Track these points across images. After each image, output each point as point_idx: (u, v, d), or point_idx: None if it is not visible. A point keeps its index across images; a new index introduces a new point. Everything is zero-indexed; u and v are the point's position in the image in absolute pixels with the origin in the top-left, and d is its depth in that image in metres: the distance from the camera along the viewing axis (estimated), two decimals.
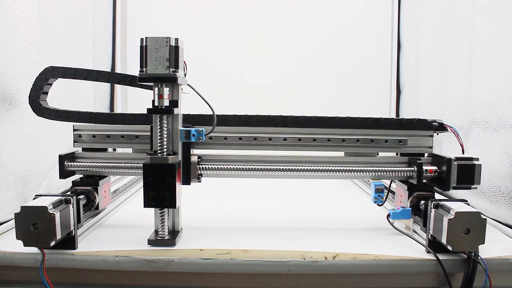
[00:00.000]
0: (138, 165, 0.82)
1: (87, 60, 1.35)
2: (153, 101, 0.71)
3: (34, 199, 0.68)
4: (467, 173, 0.76)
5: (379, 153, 0.86)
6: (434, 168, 0.80)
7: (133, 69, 1.64)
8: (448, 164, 0.76)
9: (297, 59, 1.62)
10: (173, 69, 0.69)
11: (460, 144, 0.80)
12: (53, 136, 1.02)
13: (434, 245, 0.68)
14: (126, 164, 0.82)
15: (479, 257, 0.65)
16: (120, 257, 0.66)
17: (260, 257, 0.67)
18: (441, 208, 0.68)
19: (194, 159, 0.79)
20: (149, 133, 0.83)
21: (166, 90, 0.70)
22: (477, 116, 0.99)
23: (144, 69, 0.69)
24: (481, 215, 0.64)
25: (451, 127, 0.83)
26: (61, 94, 1.08)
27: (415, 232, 0.78)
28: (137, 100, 1.64)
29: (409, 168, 0.81)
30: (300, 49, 1.62)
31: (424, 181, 0.81)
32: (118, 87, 1.62)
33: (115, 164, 0.82)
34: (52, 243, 0.63)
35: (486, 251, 0.68)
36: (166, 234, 0.73)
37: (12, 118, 0.90)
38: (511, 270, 0.69)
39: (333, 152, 0.84)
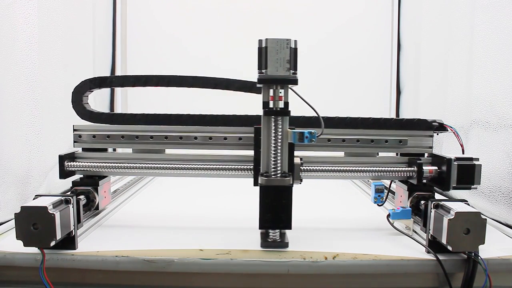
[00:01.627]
0: (138, 165, 0.82)
1: (87, 60, 1.35)
2: (266, 103, 0.70)
3: (34, 199, 0.68)
4: (467, 173, 0.76)
5: (379, 153, 0.86)
6: (434, 168, 0.80)
7: (134, 69, 1.65)
8: (448, 164, 0.76)
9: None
10: (293, 71, 0.69)
11: (460, 144, 0.80)
12: (53, 136, 1.02)
13: (434, 245, 0.68)
14: (126, 164, 0.82)
15: (479, 257, 0.65)
16: (120, 257, 0.66)
17: (260, 257, 0.67)
18: (441, 208, 0.68)
19: (297, 160, 0.79)
20: (149, 133, 0.84)
21: (281, 92, 0.70)
22: (477, 116, 0.99)
23: (263, 71, 0.69)
24: (481, 215, 0.64)
25: (451, 127, 0.83)
26: (61, 93, 1.08)
27: (415, 232, 0.78)
28: (137, 101, 1.64)
29: (409, 168, 0.81)
30: (300, 49, 1.62)
31: (424, 181, 0.81)
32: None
33: (115, 164, 0.82)
34: (52, 243, 0.63)
35: (486, 251, 0.67)
36: (278, 236, 0.73)
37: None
38: (511, 270, 0.69)
39: (333, 152, 0.84)
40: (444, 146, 1.15)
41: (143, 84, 0.82)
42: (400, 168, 0.82)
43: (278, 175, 0.71)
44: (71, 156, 0.83)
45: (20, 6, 0.91)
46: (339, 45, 1.64)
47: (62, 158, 0.81)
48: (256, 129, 0.77)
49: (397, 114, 1.65)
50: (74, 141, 0.85)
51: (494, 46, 0.94)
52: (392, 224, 0.78)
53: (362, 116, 0.84)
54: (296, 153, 0.81)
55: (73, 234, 0.68)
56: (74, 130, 0.85)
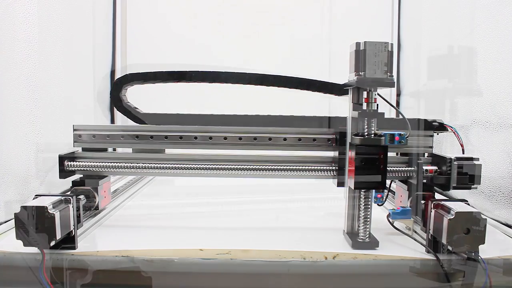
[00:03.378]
0: (138, 165, 0.82)
1: (87, 60, 1.35)
2: (358, 104, 0.71)
3: (34, 199, 0.68)
4: (467, 173, 0.76)
5: None
6: (434, 168, 0.80)
7: (134, 70, 1.64)
8: (448, 164, 0.76)
9: (297, 59, 1.62)
10: (390, 74, 0.69)
11: (460, 144, 0.80)
12: (53, 136, 1.02)
13: (434, 245, 0.68)
14: (126, 164, 0.82)
15: (479, 257, 0.65)
16: (120, 257, 0.66)
17: (260, 257, 0.67)
18: (441, 208, 0.68)
19: None
20: (149, 133, 0.84)
21: (374, 94, 0.71)
22: (477, 116, 0.99)
23: (361, 73, 0.69)
24: (481, 215, 0.64)
25: (451, 127, 0.83)
26: (61, 93, 1.08)
27: (415, 232, 0.78)
28: (136, 100, 1.64)
29: (409, 168, 0.81)
30: (299, 49, 1.62)
31: (424, 181, 0.81)
32: None
33: (115, 164, 0.82)
34: (52, 243, 0.63)
35: (486, 251, 0.67)
36: (367, 236, 0.73)
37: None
38: (511, 270, 0.69)
39: (333, 152, 0.84)
40: (444, 146, 1.15)
41: (235, 81, 0.82)
42: (400, 168, 0.82)
43: (372, 136, 0.70)
44: (71, 156, 0.83)
45: (20, 6, 0.91)
46: (339, 45, 1.64)
47: (62, 158, 0.81)
48: (341, 132, 0.78)
49: (397, 114, 1.65)
50: (74, 141, 0.85)
51: (494, 46, 0.94)
52: (392, 224, 0.78)
53: None
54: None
55: (73, 234, 0.68)
56: (74, 130, 0.85)
